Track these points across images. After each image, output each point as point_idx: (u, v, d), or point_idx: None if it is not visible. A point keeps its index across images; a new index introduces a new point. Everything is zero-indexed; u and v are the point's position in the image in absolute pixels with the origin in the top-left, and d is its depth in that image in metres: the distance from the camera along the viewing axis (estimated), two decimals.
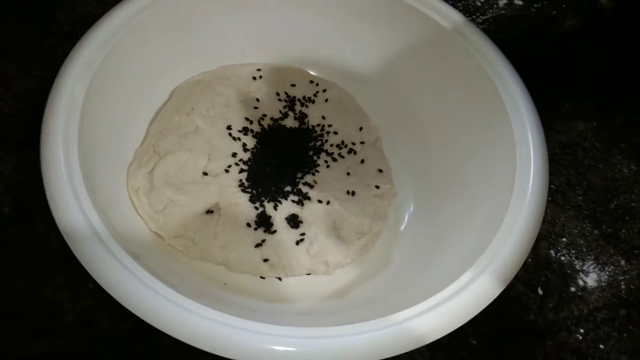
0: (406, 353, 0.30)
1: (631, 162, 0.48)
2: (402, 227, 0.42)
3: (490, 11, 0.57)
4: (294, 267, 0.38)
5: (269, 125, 0.45)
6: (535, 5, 0.59)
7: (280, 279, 0.38)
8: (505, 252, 0.32)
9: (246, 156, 0.42)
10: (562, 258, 0.43)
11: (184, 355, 0.35)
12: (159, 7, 0.40)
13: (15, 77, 0.45)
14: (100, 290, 0.29)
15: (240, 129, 0.44)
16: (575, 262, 0.43)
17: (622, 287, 0.42)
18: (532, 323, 0.40)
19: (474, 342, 0.38)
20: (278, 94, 0.47)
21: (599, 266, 0.43)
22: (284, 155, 0.43)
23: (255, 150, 0.43)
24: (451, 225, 0.39)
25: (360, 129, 0.46)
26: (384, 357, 0.29)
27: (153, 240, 0.38)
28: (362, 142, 0.45)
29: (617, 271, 0.43)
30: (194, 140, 0.41)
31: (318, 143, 0.45)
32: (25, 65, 0.46)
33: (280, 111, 0.46)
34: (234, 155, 0.42)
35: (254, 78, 0.47)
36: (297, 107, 0.46)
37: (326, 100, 0.47)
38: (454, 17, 0.42)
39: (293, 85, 0.47)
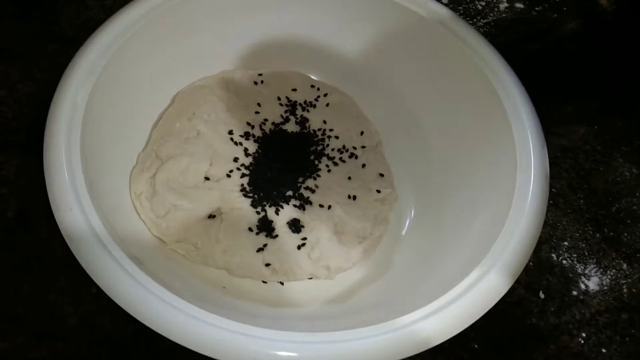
0: (407, 357, 0.30)
1: (632, 165, 0.48)
2: (404, 232, 0.42)
3: (491, 14, 0.57)
4: (295, 271, 0.38)
5: (270, 129, 0.45)
6: (536, 8, 0.59)
7: (282, 283, 0.38)
8: (507, 256, 0.32)
9: (248, 161, 0.43)
10: (564, 262, 0.43)
11: (186, 359, 0.35)
12: (161, 13, 0.40)
13: (18, 81, 0.46)
14: (102, 294, 0.29)
15: (241, 133, 0.44)
16: (577, 266, 0.43)
17: (624, 290, 0.42)
18: (534, 327, 0.40)
19: (476, 345, 0.38)
20: (279, 99, 0.47)
21: (601, 270, 0.43)
22: (286, 159, 0.43)
23: (256, 154, 0.43)
24: (452, 230, 0.39)
25: (362, 133, 0.46)
26: None
27: (155, 245, 0.38)
28: (363, 147, 0.45)
29: (619, 275, 0.43)
30: (196, 145, 0.42)
31: (319, 147, 0.45)
32: (29, 69, 0.46)
33: (282, 116, 0.46)
34: (236, 160, 0.42)
35: (255, 83, 0.47)
36: (299, 111, 0.47)
37: (327, 104, 0.47)
38: (455, 22, 0.42)
39: (294, 89, 0.47)
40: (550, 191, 0.37)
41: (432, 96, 0.44)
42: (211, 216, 0.39)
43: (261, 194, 0.41)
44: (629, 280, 0.43)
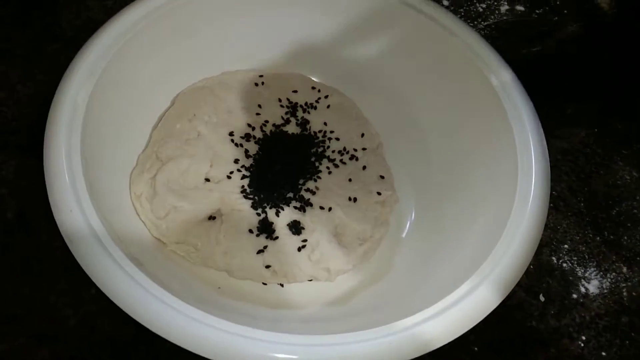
0: None
1: (633, 169, 0.48)
2: (404, 234, 0.42)
3: (492, 17, 0.57)
4: (295, 273, 0.38)
5: (271, 131, 0.45)
6: (537, 11, 0.59)
7: (282, 285, 0.38)
8: (508, 260, 0.32)
9: (248, 162, 0.43)
10: (564, 265, 0.43)
11: None
12: (162, 14, 0.40)
13: (18, 82, 0.46)
14: (102, 295, 0.29)
15: (242, 135, 0.44)
16: (577, 269, 0.43)
17: (624, 294, 0.42)
18: (534, 330, 0.40)
19: (476, 349, 0.38)
20: (280, 100, 0.47)
21: (601, 273, 0.43)
22: (286, 161, 0.43)
23: (257, 156, 0.43)
24: (453, 232, 0.39)
25: (362, 135, 0.46)
26: None
27: (155, 246, 0.38)
28: (363, 149, 0.45)
29: (619, 278, 0.43)
30: (196, 147, 0.42)
31: (320, 149, 0.45)
32: (29, 70, 0.46)
33: (282, 117, 0.46)
34: (236, 161, 0.42)
35: (256, 84, 0.47)
36: (299, 113, 0.47)
37: (328, 106, 0.47)
38: (456, 24, 0.42)
39: (295, 91, 0.47)
40: (551, 194, 0.37)
41: (433, 98, 0.44)
42: (211, 217, 0.39)
43: (262, 196, 0.41)
44: (629, 283, 0.43)
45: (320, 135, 0.46)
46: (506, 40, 0.56)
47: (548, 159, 0.37)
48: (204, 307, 0.29)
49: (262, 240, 0.39)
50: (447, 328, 0.30)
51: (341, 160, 0.44)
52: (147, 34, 0.40)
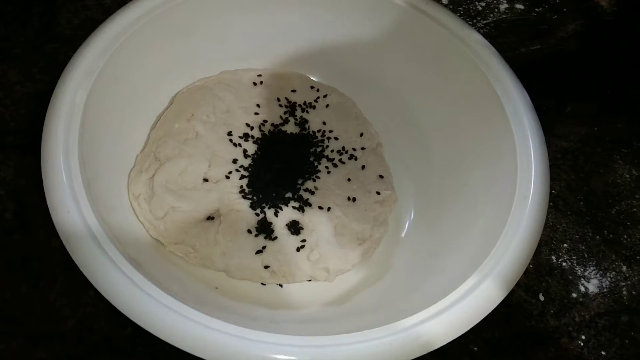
0: None
1: (633, 167, 0.48)
2: (403, 234, 0.42)
3: (492, 15, 0.57)
4: (294, 273, 0.38)
5: (269, 131, 0.45)
6: (537, 9, 0.58)
7: (281, 285, 0.38)
8: (507, 259, 0.32)
9: (247, 162, 0.42)
10: (564, 264, 0.43)
11: None
12: (161, 13, 0.40)
13: (16, 82, 0.46)
14: (101, 296, 0.29)
15: (240, 135, 0.44)
16: (577, 268, 0.43)
17: (624, 293, 0.42)
18: (534, 329, 0.40)
19: (475, 348, 0.38)
20: (279, 100, 0.47)
21: (601, 272, 0.43)
22: (285, 161, 0.43)
23: (255, 156, 0.43)
24: (452, 232, 0.38)
25: (361, 134, 0.46)
26: None
27: (153, 247, 0.38)
28: (362, 148, 0.45)
29: (619, 277, 0.43)
30: (195, 147, 0.41)
31: (319, 149, 0.45)
32: (27, 70, 0.46)
33: (281, 117, 0.46)
34: (235, 161, 0.42)
35: (255, 84, 0.47)
36: (298, 112, 0.46)
37: (327, 105, 0.47)
38: (455, 23, 0.42)
39: (294, 90, 0.47)
40: (550, 193, 0.37)
41: (432, 97, 0.44)
42: (210, 218, 0.39)
43: (260, 196, 0.41)
44: (629, 282, 0.42)
45: (319, 134, 0.45)
46: (505, 39, 0.55)
47: (547, 157, 0.37)
48: (202, 308, 0.29)
49: (261, 241, 0.39)
50: (446, 328, 0.30)
51: (340, 160, 0.44)
52: (145, 34, 0.40)
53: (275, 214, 0.40)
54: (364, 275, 0.39)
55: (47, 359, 0.35)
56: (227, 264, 0.37)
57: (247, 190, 0.41)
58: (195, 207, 0.39)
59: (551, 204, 0.45)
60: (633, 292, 0.42)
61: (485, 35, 0.47)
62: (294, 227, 0.40)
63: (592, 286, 0.42)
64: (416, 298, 0.33)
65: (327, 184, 0.42)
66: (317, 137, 0.45)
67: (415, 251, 0.40)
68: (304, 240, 0.39)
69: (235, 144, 0.43)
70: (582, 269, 0.43)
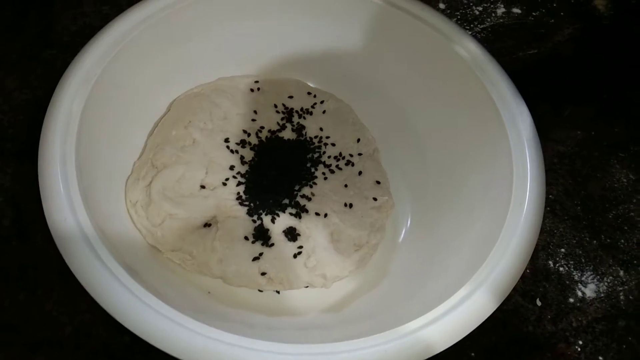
0: None
1: (630, 172, 0.48)
2: (400, 240, 0.42)
3: (488, 20, 0.57)
4: (291, 280, 0.38)
5: (266, 137, 0.45)
6: (533, 13, 0.59)
7: (278, 292, 0.38)
8: (504, 264, 0.32)
9: (244, 169, 0.42)
10: (561, 269, 0.43)
11: None
12: (158, 20, 0.40)
13: (14, 89, 0.46)
14: (98, 304, 0.29)
15: (237, 141, 0.44)
16: (574, 273, 0.43)
17: (621, 297, 0.42)
18: (531, 335, 0.40)
19: (473, 354, 0.38)
20: (276, 106, 0.47)
21: (598, 277, 0.43)
22: (282, 167, 0.43)
23: (252, 162, 0.43)
24: (449, 238, 0.38)
25: (358, 140, 0.46)
26: None
27: (150, 254, 0.38)
28: (359, 154, 0.45)
29: (616, 282, 0.43)
30: (192, 154, 0.42)
31: (316, 155, 0.45)
32: (25, 77, 0.46)
33: (278, 123, 0.46)
34: (232, 168, 0.42)
35: (252, 90, 0.47)
36: (295, 118, 0.46)
37: (324, 111, 0.47)
38: (451, 28, 0.42)
39: (290, 96, 0.47)
40: (547, 198, 0.37)
41: (429, 103, 0.44)
42: (207, 225, 0.39)
43: (257, 202, 0.41)
44: (626, 287, 0.42)
45: (316, 140, 0.46)
46: (503, 43, 0.55)
47: (543, 162, 0.37)
48: (199, 316, 0.29)
49: (258, 247, 0.39)
50: (444, 334, 0.30)
51: (337, 166, 0.44)
52: (143, 41, 0.40)
53: (272, 221, 0.40)
54: (361, 282, 0.39)
55: None
56: (224, 271, 0.37)
57: (244, 197, 0.41)
58: (192, 214, 0.39)
59: (548, 208, 0.45)
60: (630, 297, 0.42)
61: (482, 40, 0.48)
62: (291, 234, 0.40)
63: (590, 291, 0.42)
64: (413, 305, 0.33)
65: (324, 190, 0.42)
66: (314, 143, 0.45)
67: (412, 257, 0.40)
68: (300, 247, 0.39)
69: (232, 151, 0.43)
70: (580, 274, 0.43)
